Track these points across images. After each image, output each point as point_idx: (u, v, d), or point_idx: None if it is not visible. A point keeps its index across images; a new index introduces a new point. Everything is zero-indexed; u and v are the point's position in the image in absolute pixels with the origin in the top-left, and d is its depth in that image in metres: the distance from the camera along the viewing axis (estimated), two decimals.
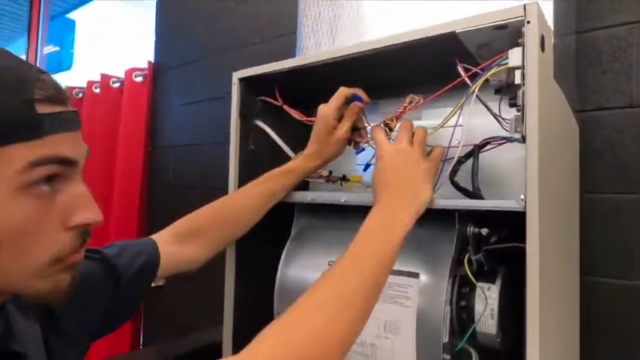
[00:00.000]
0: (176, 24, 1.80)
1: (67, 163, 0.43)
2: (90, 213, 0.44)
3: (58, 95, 0.43)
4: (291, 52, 1.06)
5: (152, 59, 1.87)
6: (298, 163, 0.81)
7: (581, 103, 0.89)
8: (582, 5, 0.90)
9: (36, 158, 0.40)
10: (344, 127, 0.77)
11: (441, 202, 0.63)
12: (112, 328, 0.67)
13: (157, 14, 1.88)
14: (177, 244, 0.74)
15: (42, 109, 0.41)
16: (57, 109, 0.42)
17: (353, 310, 0.49)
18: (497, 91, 0.64)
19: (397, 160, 0.64)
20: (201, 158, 1.64)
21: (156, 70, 1.86)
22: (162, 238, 0.73)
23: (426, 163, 0.64)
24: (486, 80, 0.61)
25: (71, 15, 3.89)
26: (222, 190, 0.83)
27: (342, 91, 0.77)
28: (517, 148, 0.63)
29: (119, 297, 0.65)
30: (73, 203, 0.44)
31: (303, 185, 0.89)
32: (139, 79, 1.86)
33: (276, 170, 0.80)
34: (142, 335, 1.80)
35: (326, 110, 0.77)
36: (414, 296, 0.65)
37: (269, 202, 0.81)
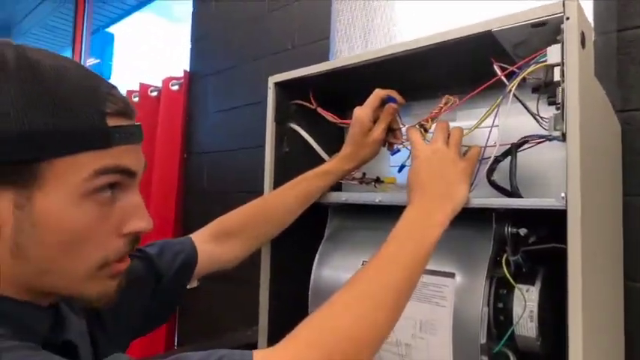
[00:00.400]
0: (211, 33, 1.84)
1: (128, 173, 0.45)
2: (143, 221, 0.47)
3: (126, 109, 0.46)
4: (324, 58, 1.07)
5: (188, 68, 1.93)
6: (333, 164, 0.81)
7: (623, 103, 0.86)
8: (623, 3, 0.87)
9: (101, 167, 0.42)
10: (379, 129, 0.78)
11: (478, 201, 0.62)
12: (151, 326, 0.68)
13: (192, 24, 1.93)
14: (213, 244, 0.76)
15: (112, 121, 0.43)
16: (125, 122, 0.45)
17: (385, 309, 0.49)
18: (535, 90, 0.63)
19: (433, 160, 0.63)
20: (235, 164, 1.67)
21: (191, 79, 1.91)
22: (199, 238, 0.75)
23: (462, 163, 0.63)
24: (523, 79, 0.60)
25: (110, 29, 4.06)
26: (256, 195, 0.84)
27: (377, 93, 0.78)
28: (555, 149, 0.62)
29: (160, 295, 0.66)
30: (128, 211, 0.46)
31: (336, 187, 0.90)
32: (176, 87, 1.91)
33: (312, 172, 0.81)
34: (176, 336, 1.83)
35: (361, 113, 0.78)
36: (449, 296, 0.64)
37: (304, 203, 0.82)
